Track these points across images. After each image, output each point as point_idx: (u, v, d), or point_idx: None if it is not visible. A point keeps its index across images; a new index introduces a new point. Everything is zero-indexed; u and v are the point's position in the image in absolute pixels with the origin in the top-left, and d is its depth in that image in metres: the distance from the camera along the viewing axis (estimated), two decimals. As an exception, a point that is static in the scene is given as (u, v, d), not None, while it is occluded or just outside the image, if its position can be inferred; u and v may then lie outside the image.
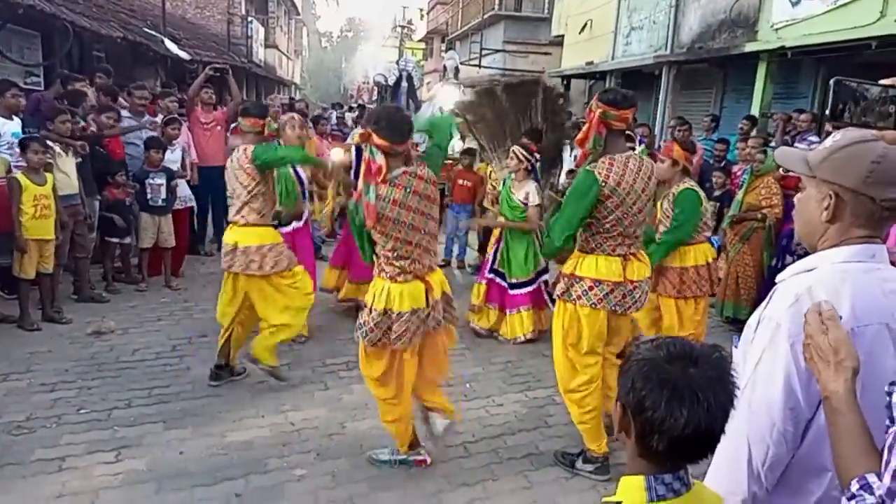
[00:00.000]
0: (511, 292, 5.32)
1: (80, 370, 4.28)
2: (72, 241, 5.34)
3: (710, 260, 4.31)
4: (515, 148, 5.19)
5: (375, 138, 2.91)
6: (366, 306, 3.12)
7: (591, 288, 3.20)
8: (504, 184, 5.42)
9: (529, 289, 5.31)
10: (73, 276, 5.67)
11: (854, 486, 1.10)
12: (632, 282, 3.24)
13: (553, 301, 5.08)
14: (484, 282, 5.47)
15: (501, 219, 5.39)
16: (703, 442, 1.12)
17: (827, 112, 1.22)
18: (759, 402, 1.33)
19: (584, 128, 3.15)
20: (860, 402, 1.18)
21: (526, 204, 5.16)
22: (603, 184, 3.05)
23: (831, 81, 1.21)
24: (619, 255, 3.22)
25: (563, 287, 3.31)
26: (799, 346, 1.27)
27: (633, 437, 1.16)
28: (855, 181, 1.31)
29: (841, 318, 1.22)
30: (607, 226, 3.16)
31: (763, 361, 1.34)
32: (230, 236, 3.99)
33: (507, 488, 3.27)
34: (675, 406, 1.08)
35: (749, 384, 1.35)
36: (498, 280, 5.43)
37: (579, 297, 3.23)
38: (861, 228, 1.35)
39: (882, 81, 1.20)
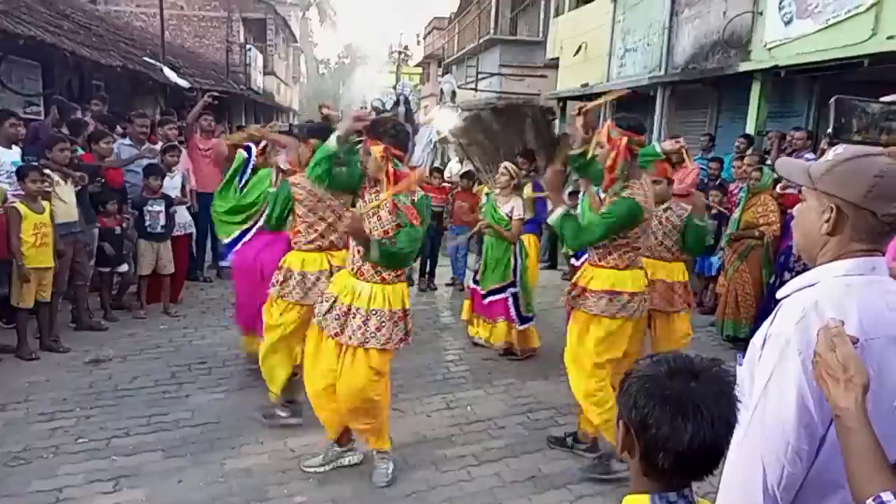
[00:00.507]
0: (484, 301, 5.48)
1: (78, 399, 4.25)
2: (71, 270, 5.33)
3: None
4: (507, 164, 5.55)
5: (394, 150, 3.11)
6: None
7: (609, 299, 3.38)
8: (488, 198, 5.69)
9: (500, 296, 5.43)
10: (72, 305, 5.65)
11: None
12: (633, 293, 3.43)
13: (523, 320, 5.22)
14: (469, 294, 5.71)
15: (488, 219, 5.54)
16: (708, 457, 1.11)
17: (829, 129, 1.22)
18: (771, 421, 1.31)
19: (612, 155, 3.30)
20: (870, 415, 1.16)
21: (510, 217, 5.39)
22: (645, 210, 3.28)
23: (832, 100, 1.21)
24: (637, 267, 3.49)
25: (592, 300, 3.45)
26: (809, 362, 1.25)
27: (637, 455, 1.14)
28: (857, 195, 1.31)
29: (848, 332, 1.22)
30: (631, 242, 3.38)
31: (774, 379, 1.32)
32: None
33: (510, 512, 3.24)
34: (679, 422, 1.07)
35: (760, 403, 1.33)
36: (478, 289, 5.62)
37: (608, 308, 3.40)
38: (861, 242, 1.35)
39: (883, 98, 1.21)
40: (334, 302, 3.21)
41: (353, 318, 3.15)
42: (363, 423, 3.36)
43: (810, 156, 6.57)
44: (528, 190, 5.99)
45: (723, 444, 1.10)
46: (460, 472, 3.58)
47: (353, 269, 3.23)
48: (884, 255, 1.40)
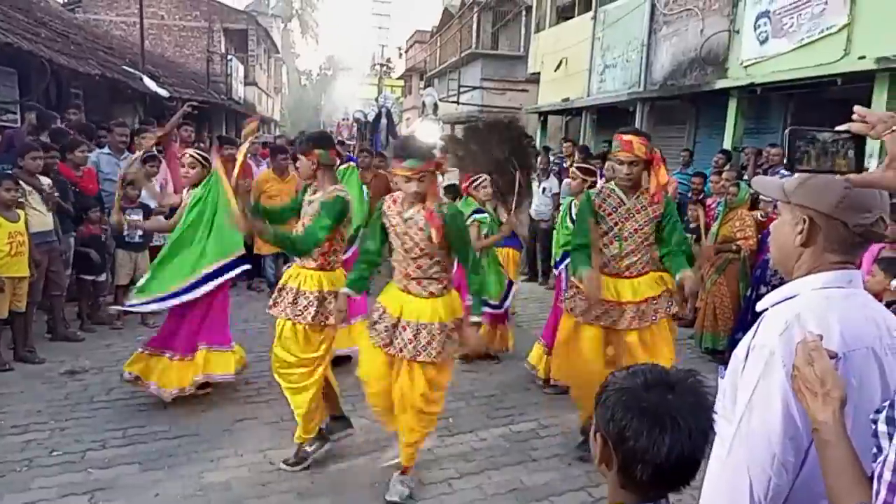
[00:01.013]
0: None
1: (52, 411, 4.16)
2: (46, 279, 5.24)
3: None
4: (486, 176, 5.55)
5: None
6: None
7: None
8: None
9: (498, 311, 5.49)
10: (47, 315, 5.56)
11: None
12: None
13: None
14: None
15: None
16: (685, 469, 1.12)
17: (784, 160, 1.26)
18: (757, 432, 1.32)
19: (662, 170, 3.55)
20: (851, 428, 1.18)
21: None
22: None
23: (786, 132, 1.25)
24: None
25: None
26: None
27: (614, 468, 1.15)
28: (828, 206, 1.35)
29: (826, 347, 1.24)
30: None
31: (759, 391, 1.32)
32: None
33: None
34: (657, 434, 1.07)
35: (745, 415, 1.34)
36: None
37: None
38: (834, 254, 1.38)
39: (837, 128, 1.25)
40: (382, 313, 3.24)
41: (404, 331, 3.16)
42: (411, 432, 3.34)
43: (786, 172, 6.70)
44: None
45: (700, 455, 1.12)
46: (441, 485, 3.56)
47: (401, 287, 3.23)
48: (858, 267, 1.44)
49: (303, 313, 3.45)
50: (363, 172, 9.31)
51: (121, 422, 4.06)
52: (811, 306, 1.35)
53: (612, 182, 3.77)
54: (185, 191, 4.62)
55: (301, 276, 3.53)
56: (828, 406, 1.16)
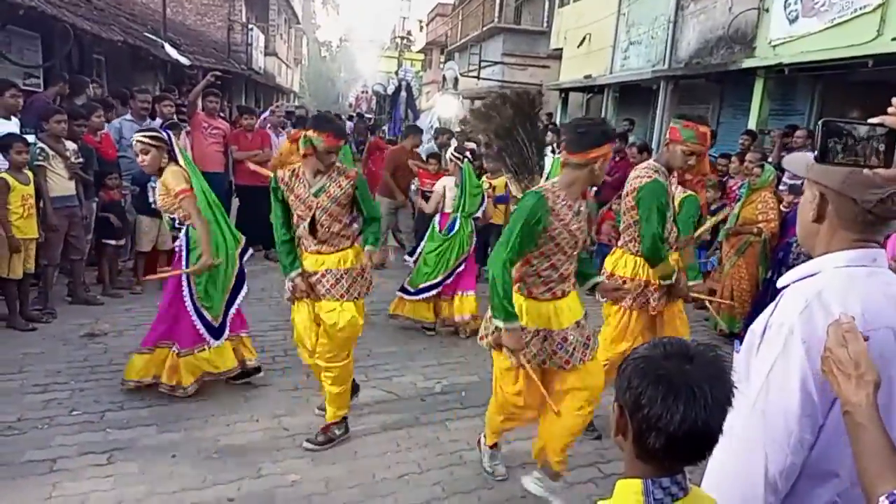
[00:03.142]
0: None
1: (72, 372, 4.25)
2: (66, 243, 5.30)
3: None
4: (454, 151, 5.72)
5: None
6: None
7: None
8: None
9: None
10: (68, 278, 5.64)
11: (884, 502, 1.07)
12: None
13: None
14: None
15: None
16: (700, 440, 1.11)
17: (816, 153, 1.23)
18: (774, 410, 1.31)
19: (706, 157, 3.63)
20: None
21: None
22: None
23: (819, 123, 1.22)
24: None
25: None
26: (814, 352, 1.25)
27: (630, 437, 1.15)
28: (836, 182, 1.34)
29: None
30: None
31: (776, 368, 1.32)
32: None
33: (502, 497, 3.26)
34: (671, 402, 1.07)
35: (762, 392, 1.33)
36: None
37: None
38: (851, 231, 1.36)
39: (871, 120, 1.22)
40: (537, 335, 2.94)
41: (565, 342, 2.95)
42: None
43: (809, 154, 6.58)
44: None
45: (716, 428, 1.11)
46: (453, 456, 3.60)
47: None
48: (884, 247, 1.41)
49: (349, 290, 3.49)
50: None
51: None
52: (833, 284, 1.33)
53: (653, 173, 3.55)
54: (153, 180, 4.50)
55: (333, 259, 3.50)
56: (861, 389, 1.15)
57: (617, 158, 8.33)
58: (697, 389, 1.07)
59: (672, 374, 1.10)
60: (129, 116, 6.59)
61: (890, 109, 1.18)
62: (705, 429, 1.09)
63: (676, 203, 4.01)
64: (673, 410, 1.07)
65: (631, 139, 9.57)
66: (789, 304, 1.36)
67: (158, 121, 6.76)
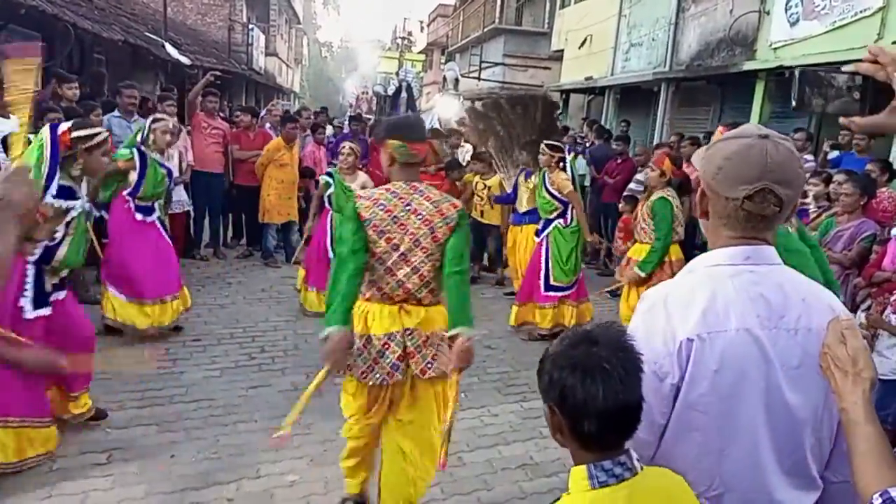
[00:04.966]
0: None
1: (72, 371, 4.24)
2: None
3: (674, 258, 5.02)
4: (351, 145, 5.62)
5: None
6: None
7: None
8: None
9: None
10: (68, 278, 5.63)
11: (876, 501, 1.06)
12: None
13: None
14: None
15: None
16: (627, 412, 1.17)
17: (793, 103, 1.22)
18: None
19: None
20: (706, 410, 1.22)
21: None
22: None
23: (796, 72, 1.21)
24: None
25: None
26: (650, 355, 1.24)
27: (566, 432, 1.20)
28: (709, 177, 1.32)
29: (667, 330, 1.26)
30: None
31: None
32: None
33: (501, 499, 3.26)
34: (589, 384, 1.13)
35: None
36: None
37: None
38: (728, 228, 1.32)
39: (845, 68, 1.20)
40: None
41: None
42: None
43: (809, 157, 6.58)
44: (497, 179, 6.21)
45: (636, 397, 1.17)
46: (451, 457, 3.59)
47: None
48: (769, 244, 1.33)
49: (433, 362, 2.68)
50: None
51: (138, 385, 4.13)
52: (684, 286, 1.34)
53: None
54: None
55: (412, 315, 2.69)
56: (857, 386, 1.15)
57: (619, 160, 8.34)
58: (609, 366, 1.14)
59: (582, 359, 1.16)
60: (117, 113, 6.55)
61: (865, 56, 1.17)
62: (627, 399, 1.15)
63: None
64: (593, 391, 1.13)
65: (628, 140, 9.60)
66: (640, 305, 1.37)
67: (149, 118, 6.72)
